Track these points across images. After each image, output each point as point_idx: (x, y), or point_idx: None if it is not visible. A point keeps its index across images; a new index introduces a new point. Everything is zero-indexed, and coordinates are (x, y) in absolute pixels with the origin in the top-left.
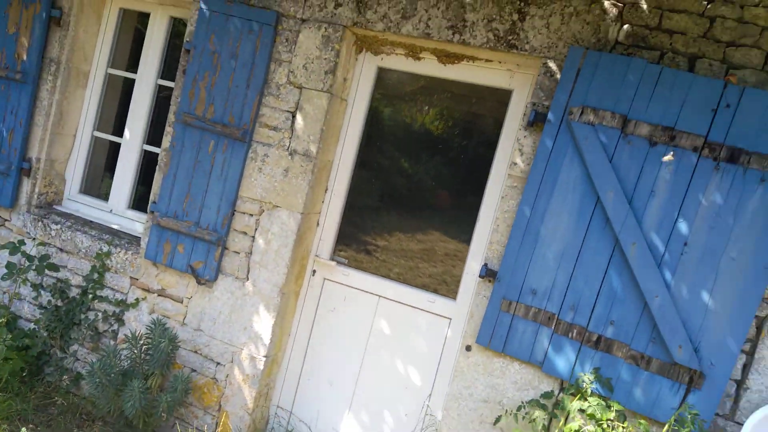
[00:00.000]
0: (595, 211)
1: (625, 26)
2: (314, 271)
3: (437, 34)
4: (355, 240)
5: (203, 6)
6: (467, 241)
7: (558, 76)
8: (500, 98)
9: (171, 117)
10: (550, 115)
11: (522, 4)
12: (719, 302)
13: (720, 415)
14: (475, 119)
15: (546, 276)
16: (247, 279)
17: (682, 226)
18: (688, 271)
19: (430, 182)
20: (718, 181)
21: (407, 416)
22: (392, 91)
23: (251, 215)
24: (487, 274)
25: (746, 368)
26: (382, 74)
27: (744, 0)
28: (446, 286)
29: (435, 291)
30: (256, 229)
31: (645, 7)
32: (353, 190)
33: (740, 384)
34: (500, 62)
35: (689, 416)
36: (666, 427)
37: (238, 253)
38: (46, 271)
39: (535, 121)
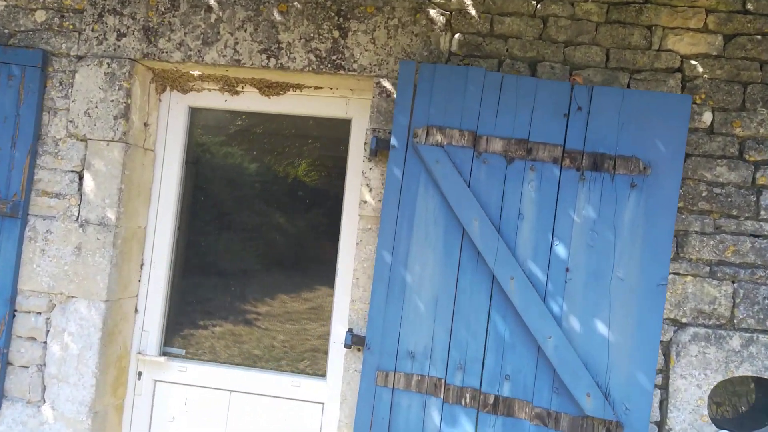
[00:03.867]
0: (463, 245)
1: (457, 35)
2: (140, 373)
3: (249, 59)
4: (193, 322)
5: None
6: (330, 302)
7: (395, 95)
8: (340, 130)
9: None
10: (393, 140)
11: (341, 19)
12: (618, 332)
13: None
14: (318, 157)
15: (423, 332)
16: (43, 401)
17: (560, 249)
18: (576, 301)
19: (275, 236)
20: (587, 193)
21: None
22: (212, 135)
23: (39, 313)
24: (354, 341)
25: (663, 405)
26: (196, 115)
27: None
28: (313, 360)
29: (299, 370)
30: (47, 332)
31: (474, 13)
32: (180, 261)
33: (661, 426)
34: (332, 89)
35: None
36: None
37: (27, 367)
38: None
39: (378, 149)
